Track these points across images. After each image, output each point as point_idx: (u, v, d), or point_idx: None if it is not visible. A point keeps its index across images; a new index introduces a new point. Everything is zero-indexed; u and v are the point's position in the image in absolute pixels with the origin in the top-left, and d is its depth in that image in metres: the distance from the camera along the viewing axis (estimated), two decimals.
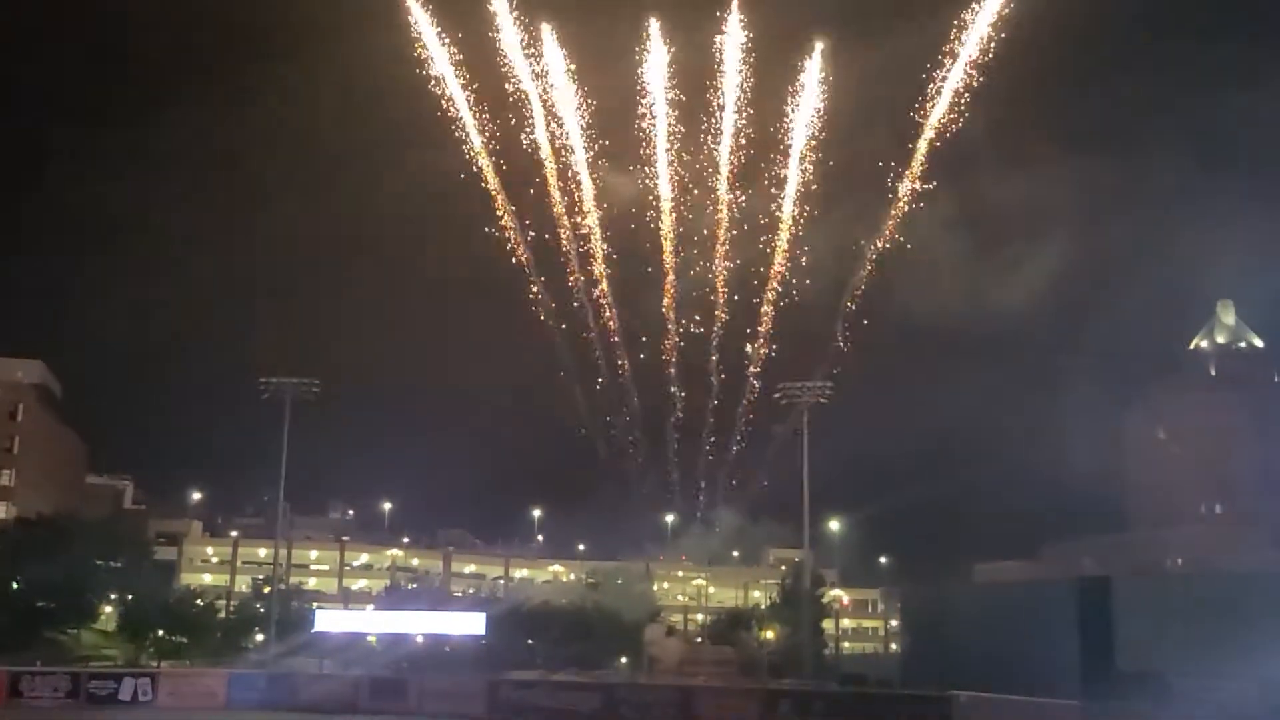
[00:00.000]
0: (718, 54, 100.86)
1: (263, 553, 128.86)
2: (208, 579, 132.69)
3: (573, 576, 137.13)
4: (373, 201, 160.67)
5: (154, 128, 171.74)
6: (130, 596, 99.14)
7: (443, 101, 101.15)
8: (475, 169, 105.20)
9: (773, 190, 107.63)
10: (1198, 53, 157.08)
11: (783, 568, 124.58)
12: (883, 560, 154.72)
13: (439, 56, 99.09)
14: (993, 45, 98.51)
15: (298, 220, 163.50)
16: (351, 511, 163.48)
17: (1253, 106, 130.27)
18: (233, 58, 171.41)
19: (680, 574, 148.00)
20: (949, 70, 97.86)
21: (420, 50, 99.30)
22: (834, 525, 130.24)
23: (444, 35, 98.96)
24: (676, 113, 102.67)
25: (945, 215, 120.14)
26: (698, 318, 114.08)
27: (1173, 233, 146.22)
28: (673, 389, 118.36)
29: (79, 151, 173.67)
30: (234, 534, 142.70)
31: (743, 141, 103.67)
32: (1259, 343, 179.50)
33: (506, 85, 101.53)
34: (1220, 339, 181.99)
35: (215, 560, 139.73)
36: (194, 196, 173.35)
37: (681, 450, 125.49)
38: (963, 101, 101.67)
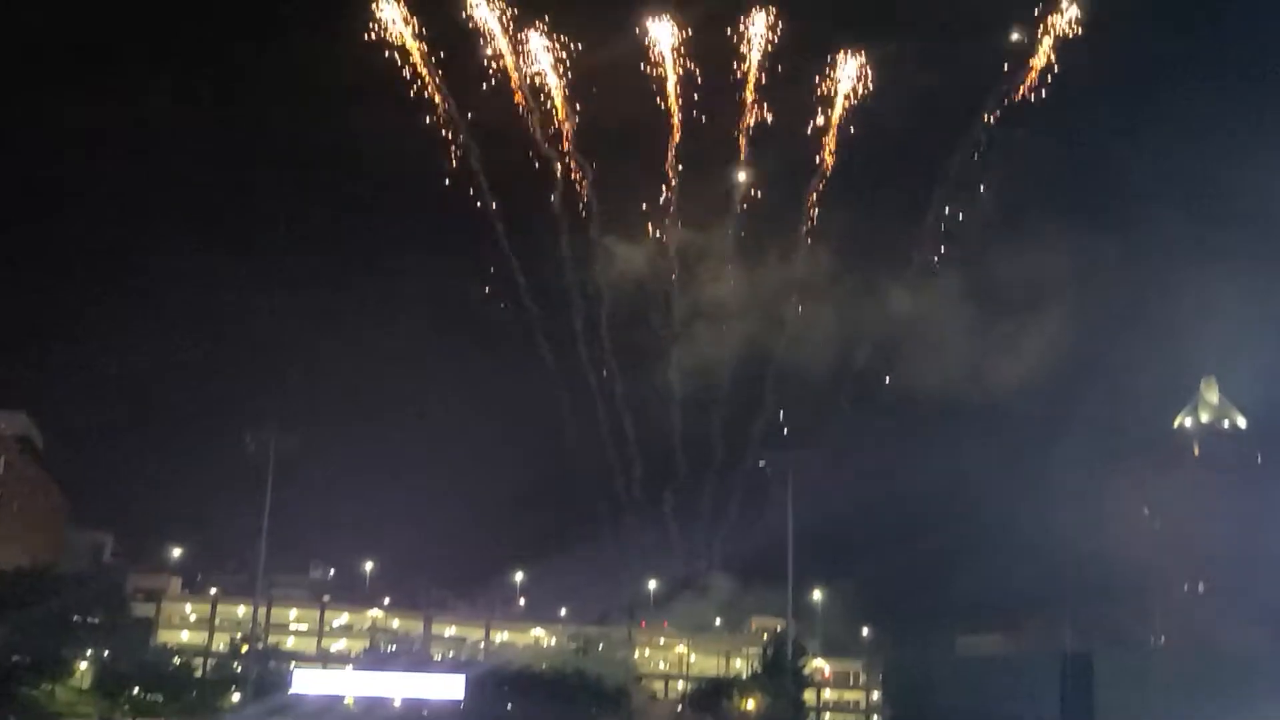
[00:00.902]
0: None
1: (242, 611, 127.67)
2: (186, 636, 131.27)
3: (554, 641, 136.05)
4: (358, 253, 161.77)
5: (140, 174, 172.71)
6: (107, 653, 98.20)
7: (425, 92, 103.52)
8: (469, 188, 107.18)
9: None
10: (1192, 134, 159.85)
11: (765, 636, 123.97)
12: (865, 631, 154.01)
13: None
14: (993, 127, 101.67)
15: (284, 274, 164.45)
16: (333, 571, 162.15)
17: (1245, 186, 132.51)
18: (225, 102, 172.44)
19: (662, 641, 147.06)
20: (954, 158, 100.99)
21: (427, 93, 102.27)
22: (817, 595, 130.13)
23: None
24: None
25: (941, 290, 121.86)
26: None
27: (1161, 310, 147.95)
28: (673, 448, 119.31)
29: (63, 199, 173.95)
30: (213, 591, 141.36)
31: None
32: (1242, 422, 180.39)
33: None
34: (1204, 417, 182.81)
35: (194, 618, 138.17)
36: (179, 246, 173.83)
37: (676, 515, 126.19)
38: (970, 178, 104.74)
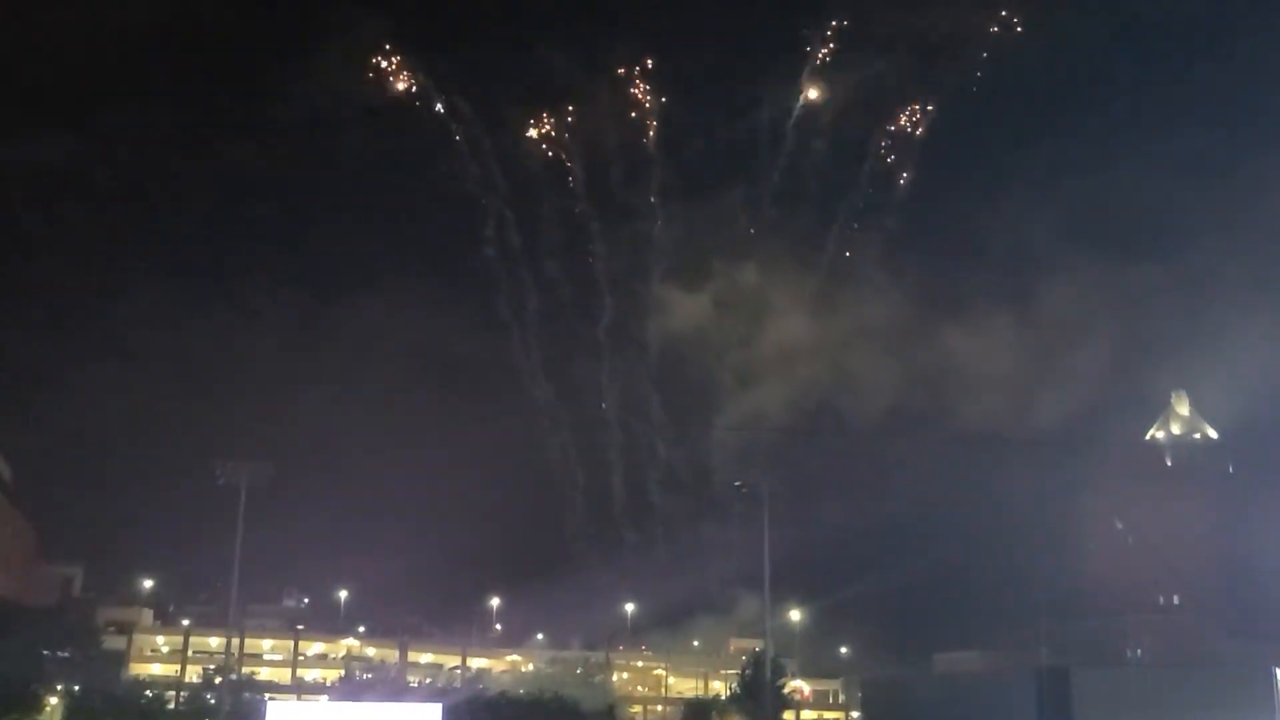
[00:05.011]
0: None
1: (215, 642, 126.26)
2: (157, 669, 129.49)
3: (531, 666, 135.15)
4: (334, 281, 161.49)
5: (111, 208, 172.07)
6: (77, 687, 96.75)
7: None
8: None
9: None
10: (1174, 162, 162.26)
11: (743, 657, 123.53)
12: (843, 650, 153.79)
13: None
14: None
15: (255, 304, 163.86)
16: (306, 600, 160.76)
17: (1218, 204, 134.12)
18: (198, 139, 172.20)
19: (640, 664, 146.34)
20: None
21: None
22: (795, 615, 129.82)
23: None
24: None
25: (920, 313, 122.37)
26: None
27: (1132, 326, 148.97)
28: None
29: (31, 233, 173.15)
30: (185, 623, 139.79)
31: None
32: (1213, 433, 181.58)
33: None
34: (1175, 430, 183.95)
35: (166, 650, 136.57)
36: (149, 280, 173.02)
37: (652, 538, 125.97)
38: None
